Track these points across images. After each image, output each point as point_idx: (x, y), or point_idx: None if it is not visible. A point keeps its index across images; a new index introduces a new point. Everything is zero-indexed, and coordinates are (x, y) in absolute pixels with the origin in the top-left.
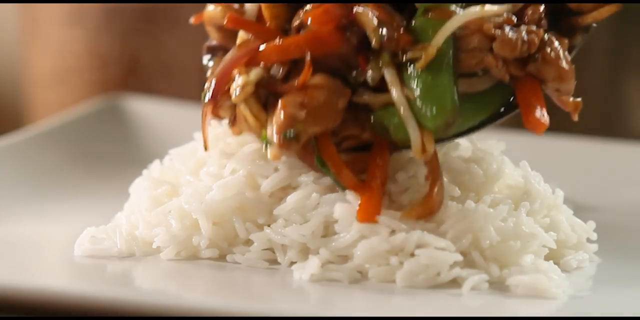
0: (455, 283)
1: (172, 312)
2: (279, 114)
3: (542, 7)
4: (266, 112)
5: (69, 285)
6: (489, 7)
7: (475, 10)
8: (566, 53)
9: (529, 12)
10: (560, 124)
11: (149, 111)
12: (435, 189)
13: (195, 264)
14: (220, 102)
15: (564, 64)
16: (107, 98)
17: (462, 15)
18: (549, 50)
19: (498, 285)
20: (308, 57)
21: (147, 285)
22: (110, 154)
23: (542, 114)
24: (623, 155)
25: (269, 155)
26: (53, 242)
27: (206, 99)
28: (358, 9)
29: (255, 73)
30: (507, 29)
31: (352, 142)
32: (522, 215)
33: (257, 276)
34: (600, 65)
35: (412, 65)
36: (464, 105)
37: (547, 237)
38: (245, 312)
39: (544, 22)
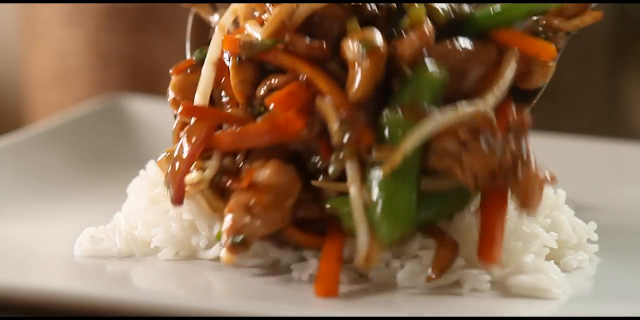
0: (456, 283)
1: (172, 312)
2: (227, 219)
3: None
4: (223, 200)
5: (68, 285)
6: (464, 110)
7: (449, 116)
8: (539, 172)
9: (511, 119)
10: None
11: (149, 111)
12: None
13: (194, 264)
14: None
15: (535, 191)
16: (107, 98)
17: (434, 123)
18: (520, 172)
19: (499, 285)
20: (249, 168)
21: (147, 285)
22: (110, 154)
23: (498, 251)
24: (623, 155)
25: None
26: (53, 242)
27: (169, 198)
28: (321, 99)
29: (210, 169)
30: (482, 140)
31: (310, 220)
32: (523, 215)
33: (257, 276)
34: (600, 65)
35: (375, 166)
36: (424, 210)
37: (548, 237)
38: (244, 312)
39: (523, 131)
